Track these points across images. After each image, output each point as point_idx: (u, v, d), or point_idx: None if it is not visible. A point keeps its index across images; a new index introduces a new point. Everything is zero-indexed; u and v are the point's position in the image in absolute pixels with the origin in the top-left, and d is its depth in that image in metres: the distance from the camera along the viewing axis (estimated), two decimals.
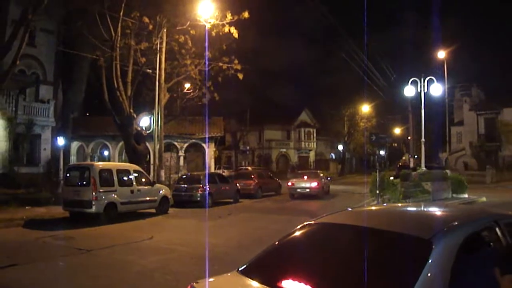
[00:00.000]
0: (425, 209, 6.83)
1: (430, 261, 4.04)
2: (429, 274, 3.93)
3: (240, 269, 5.15)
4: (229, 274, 5.21)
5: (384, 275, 4.24)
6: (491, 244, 4.81)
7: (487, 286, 3.99)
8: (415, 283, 3.84)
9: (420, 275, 3.90)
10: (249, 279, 4.81)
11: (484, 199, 32.60)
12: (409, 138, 65.95)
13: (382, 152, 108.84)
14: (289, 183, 38.98)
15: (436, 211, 6.47)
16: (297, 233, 5.49)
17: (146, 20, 31.01)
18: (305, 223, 5.60)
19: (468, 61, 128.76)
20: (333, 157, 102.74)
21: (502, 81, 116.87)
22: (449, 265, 4.08)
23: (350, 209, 6.15)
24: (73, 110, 49.11)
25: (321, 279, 4.46)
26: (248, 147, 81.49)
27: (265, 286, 4.52)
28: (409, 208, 6.91)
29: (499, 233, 4.78)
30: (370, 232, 4.81)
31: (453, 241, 4.34)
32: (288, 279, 4.49)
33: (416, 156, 57.38)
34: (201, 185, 30.85)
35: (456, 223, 4.87)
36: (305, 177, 39.66)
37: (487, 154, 68.98)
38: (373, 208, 6.79)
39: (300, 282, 4.39)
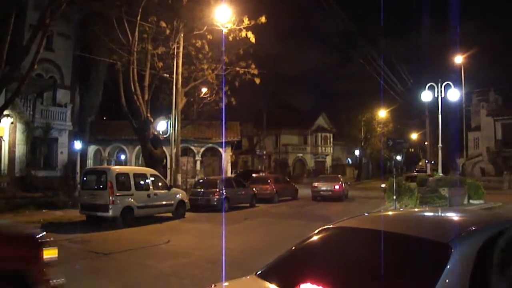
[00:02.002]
0: (443, 214, 6.79)
1: (448, 266, 4.01)
2: (447, 280, 3.89)
3: (258, 273, 5.16)
4: (247, 277, 5.26)
5: (402, 280, 4.22)
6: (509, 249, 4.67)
7: None
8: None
9: (438, 280, 3.86)
10: (267, 283, 4.81)
11: (500, 204, 32.44)
12: (426, 143, 65.84)
13: (398, 157, 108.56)
14: (313, 185, 40.44)
15: (454, 215, 6.46)
16: (315, 237, 5.49)
17: (163, 24, 31.06)
18: (323, 227, 5.59)
19: (486, 66, 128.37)
20: (350, 162, 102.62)
21: None
22: (468, 269, 4.03)
23: (367, 213, 6.11)
24: (90, 114, 49.24)
25: (339, 283, 4.45)
26: (264, 152, 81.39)
27: None
28: (426, 213, 6.96)
29: None
30: (388, 236, 4.76)
31: (472, 246, 4.29)
32: (306, 283, 4.45)
33: (433, 162, 57.21)
34: (217, 190, 30.88)
35: (475, 227, 4.81)
36: (328, 180, 42.34)
37: (504, 160, 68.58)
38: (390, 212, 6.78)
39: (318, 286, 4.35)
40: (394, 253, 4.50)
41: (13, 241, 8.00)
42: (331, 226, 5.65)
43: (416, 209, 6.30)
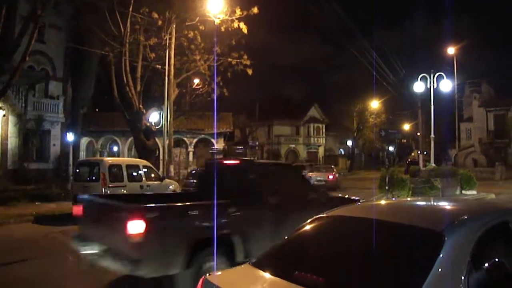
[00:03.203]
0: (436, 203, 6.88)
1: (441, 255, 4.04)
2: (440, 269, 3.93)
3: (252, 261, 5.21)
4: (241, 266, 5.34)
5: (395, 268, 4.25)
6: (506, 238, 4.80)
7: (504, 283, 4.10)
8: (426, 276, 3.84)
9: (431, 269, 3.90)
10: (262, 271, 4.86)
11: (493, 195, 32.57)
12: (418, 134, 65.83)
13: (391, 148, 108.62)
14: (307, 176, 40.74)
15: (447, 205, 6.50)
16: (309, 226, 5.56)
17: (155, 15, 30.99)
18: (316, 216, 5.67)
19: (478, 58, 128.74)
20: (342, 152, 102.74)
21: None
22: (463, 259, 4.09)
23: (359, 203, 6.18)
24: (83, 105, 49.10)
25: (333, 271, 4.53)
26: (257, 143, 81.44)
27: (278, 278, 4.57)
28: (419, 202, 6.96)
29: None
30: (381, 224, 4.84)
31: (465, 234, 4.36)
32: (300, 271, 4.54)
33: (425, 152, 57.31)
34: None
35: (468, 216, 4.91)
36: (321, 171, 44.23)
37: (496, 150, 68.87)
38: (383, 202, 6.82)
39: (312, 274, 4.44)
40: (387, 242, 4.58)
41: None
42: (324, 215, 5.68)
43: (408, 199, 6.30)
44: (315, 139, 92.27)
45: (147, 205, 9.32)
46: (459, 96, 68.36)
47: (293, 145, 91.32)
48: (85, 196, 12.17)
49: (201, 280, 4.94)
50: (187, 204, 10.23)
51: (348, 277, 4.37)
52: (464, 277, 3.96)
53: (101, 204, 11.23)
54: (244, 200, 10.64)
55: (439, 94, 38.48)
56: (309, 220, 5.67)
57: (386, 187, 27.28)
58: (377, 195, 30.01)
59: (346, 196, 16.02)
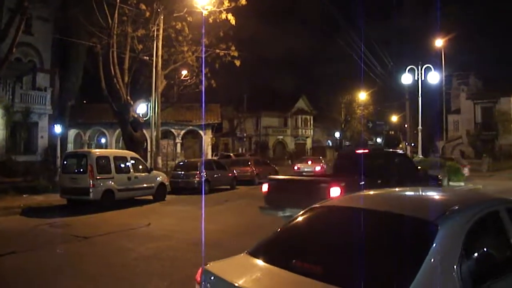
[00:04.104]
0: (427, 193, 7.12)
1: (434, 244, 4.15)
2: (432, 259, 4.01)
3: (249, 251, 5.34)
4: (239, 256, 5.39)
5: (389, 257, 4.37)
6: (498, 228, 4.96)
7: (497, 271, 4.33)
8: (420, 265, 3.93)
9: (425, 258, 3.99)
10: (259, 260, 5.02)
11: (480, 187, 32.67)
12: (406, 126, 65.99)
13: (379, 140, 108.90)
14: (295, 167, 41.81)
15: (438, 195, 6.80)
16: (303, 217, 5.69)
17: (143, 7, 30.96)
18: (310, 207, 5.81)
19: (466, 50, 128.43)
20: (330, 144, 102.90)
21: (499, 70, 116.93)
22: (455, 248, 4.20)
23: (351, 194, 6.23)
24: (70, 97, 48.92)
25: (329, 259, 4.65)
26: (245, 134, 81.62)
27: (274, 267, 4.71)
28: (411, 192, 7.08)
29: (503, 217, 4.95)
30: (374, 214, 5.08)
31: (459, 224, 4.47)
32: (296, 259, 4.73)
33: (413, 144, 57.44)
34: (198, 172, 30.91)
35: (460, 206, 5.03)
36: (310, 162, 44.61)
37: (483, 142, 69.07)
38: (373, 192, 7.00)
39: (308, 262, 4.64)
40: (381, 231, 4.80)
41: None
42: (318, 205, 5.83)
43: (398, 189, 6.54)
44: (303, 130, 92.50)
45: (339, 178, 14.53)
46: (447, 88, 68.57)
47: (281, 137, 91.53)
48: (272, 177, 19.59)
49: (200, 270, 5.06)
50: (351, 178, 14.32)
51: (344, 265, 4.47)
52: (457, 266, 4.05)
53: (295, 180, 17.73)
54: (374, 176, 14.59)
55: (427, 86, 38.60)
56: (303, 211, 5.78)
57: None
58: None
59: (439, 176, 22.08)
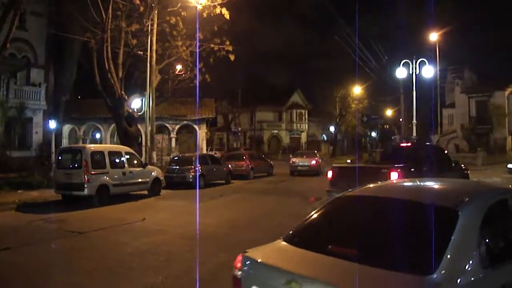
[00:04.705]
0: (444, 183, 7.42)
1: (456, 229, 4.59)
2: (456, 243, 4.46)
3: (284, 238, 5.65)
4: (274, 242, 5.68)
5: (417, 240, 4.72)
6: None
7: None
8: (446, 248, 4.37)
9: (449, 243, 4.43)
10: (296, 247, 5.32)
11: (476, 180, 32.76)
12: (400, 120, 66.06)
13: (373, 134, 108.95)
14: (291, 161, 41.86)
15: (454, 185, 7.37)
16: (330, 206, 6.19)
17: (137, 1, 30.89)
18: (336, 197, 6.33)
19: (461, 44, 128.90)
20: (325, 138, 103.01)
21: (494, 64, 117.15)
22: (474, 231, 4.67)
23: (372, 185, 6.62)
24: (65, 93, 48.84)
25: (361, 244, 4.91)
26: (239, 129, 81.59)
27: (313, 252, 5.04)
28: (429, 182, 7.49)
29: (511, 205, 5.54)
30: (402, 202, 5.47)
31: (476, 210, 4.96)
32: (332, 244, 5.05)
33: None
34: (193, 167, 30.91)
35: (475, 195, 5.60)
36: (305, 156, 44.30)
37: (478, 136, 69.22)
38: (396, 182, 8.53)
39: (343, 247, 4.94)
40: (408, 218, 5.10)
41: None
42: (341, 195, 6.27)
43: (416, 179, 7.09)
44: (298, 124, 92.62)
45: (396, 165, 17.72)
46: (441, 82, 68.63)
47: (276, 131, 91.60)
48: (336, 165, 22.63)
49: (239, 257, 5.29)
50: (404, 165, 17.64)
51: (376, 249, 4.85)
52: (476, 246, 4.52)
53: (357, 167, 21.28)
54: (418, 165, 18.07)
55: (421, 80, 38.63)
56: (329, 200, 6.41)
57: None
58: None
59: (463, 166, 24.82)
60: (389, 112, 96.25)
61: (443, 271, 4.16)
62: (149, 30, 32.32)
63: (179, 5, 32.09)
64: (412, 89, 36.35)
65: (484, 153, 57.19)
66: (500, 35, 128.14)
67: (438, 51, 54.18)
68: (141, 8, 31.50)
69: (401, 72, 35.75)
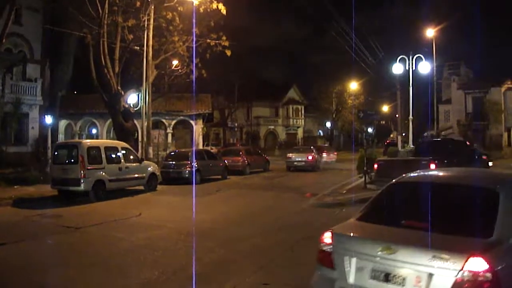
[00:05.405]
0: (478, 171, 10.49)
1: (500, 207, 5.69)
2: (501, 214, 5.61)
3: (357, 218, 6.67)
4: (348, 222, 6.73)
5: (472, 215, 5.95)
6: None
7: None
8: (495, 220, 5.53)
9: (496, 219, 5.55)
10: (371, 223, 6.44)
11: None
12: (397, 115, 66.07)
13: (370, 130, 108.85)
14: (287, 156, 42.00)
15: (487, 171, 10.72)
16: (388, 190, 7.09)
17: None
18: (390, 183, 7.18)
19: (457, 40, 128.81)
20: (321, 134, 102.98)
21: (490, 60, 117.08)
22: None
23: (414, 174, 7.65)
24: (61, 88, 48.84)
25: (428, 219, 5.80)
26: (236, 124, 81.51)
27: (389, 226, 6.15)
28: (467, 171, 9.01)
29: None
30: (454, 186, 6.76)
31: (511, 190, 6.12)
32: (404, 220, 6.15)
33: (404, 134, 57.53)
34: (189, 162, 30.87)
35: (507, 178, 6.98)
36: (301, 152, 44.43)
37: (474, 132, 69.20)
38: (436, 170, 10.60)
39: (415, 221, 6.04)
40: (461, 198, 6.38)
41: None
42: (396, 182, 7.19)
43: (454, 169, 8.70)
44: (294, 120, 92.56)
45: (433, 158, 21.34)
46: (438, 78, 68.60)
47: (272, 127, 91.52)
48: (381, 158, 27.44)
49: (328, 233, 6.23)
50: (440, 158, 21.56)
51: (441, 222, 5.83)
52: None
53: (400, 160, 25.90)
54: (451, 157, 22.06)
55: (418, 76, 38.71)
56: (385, 186, 7.21)
57: (365, 168, 27.30)
58: (356, 176, 30.14)
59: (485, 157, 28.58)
60: (385, 108, 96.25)
61: (497, 235, 5.36)
62: (146, 25, 32.26)
63: (175, 0, 32.06)
64: (409, 85, 36.40)
65: (481, 149, 57.30)
66: (496, 31, 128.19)
67: (435, 47, 54.22)
68: (138, 3, 31.51)
69: (397, 68, 35.78)
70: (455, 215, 6.06)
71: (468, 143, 33.95)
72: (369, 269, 5.68)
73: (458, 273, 4.99)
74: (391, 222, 6.20)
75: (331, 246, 6.07)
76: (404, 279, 5.40)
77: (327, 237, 6.17)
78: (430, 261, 5.16)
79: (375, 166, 24.70)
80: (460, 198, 6.36)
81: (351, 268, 5.82)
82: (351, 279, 5.80)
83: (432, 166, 19.65)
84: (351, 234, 6.22)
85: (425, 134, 61.77)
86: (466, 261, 4.97)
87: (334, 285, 5.95)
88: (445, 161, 21.10)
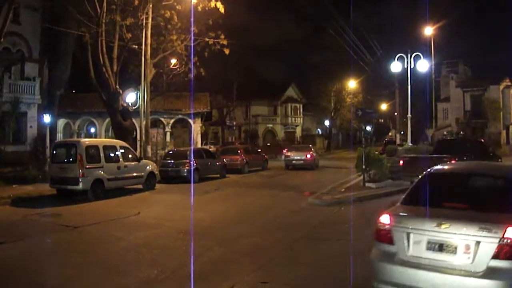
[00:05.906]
0: (499, 164, 14.64)
1: None
2: None
3: (402, 202, 7.92)
4: (397, 206, 7.86)
5: (498, 199, 7.41)
6: None
7: None
8: None
9: None
10: (416, 206, 7.66)
11: None
12: (395, 114, 66.08)
13: (368, 128, 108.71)
14: (285, 155, 42.11)
15: (506, 165, 11.85)
16: (424, 179, 8.19)
17: None
18: (426, 173, 8.37)
19: (456, 38, 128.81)
20: (320, 132, 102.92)
21: (488, 58, 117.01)
22: None
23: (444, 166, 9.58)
24: (59, 87, 48.75)
25: (465, 201, 7.41)
26: (234, 123, 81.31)
27: (432, 208, 7.14)
28: (489, 163, 12.64)
29: None
30: (474, 174, 8.31)
31: None
32: (445, 202, 7.47)
33: (402, 132, 57.58)
34: (187, 161, 30.85)
35: None
36: (300, 150, 44.60)
37: (473, 130, 69.28)
38: (461, 163, 13.44)
39: (455, 202, 7.45)
40: (485, 184, 7.95)
41: None
42: (431, 172, 8.41)
43: (475, 162, 13.53)
44: (293, 119, 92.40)
45: (453, 156, 22.78)
46: (436, 76, 68.61)
47: (271, 125, 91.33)
48: (405, 155, 28.58)
49: (386, 214, 7.45)
50: (459, 156, 22.75)
51: (477, 203, 7.34)
52: None
53: (423, 157, 25.55)
54: (469, 155, 23.67)
55: (416, 74, 38.71)
56: (420, 176, 8.41)
57: (363, 166, 27.25)
58: (354, 175, 30.11)
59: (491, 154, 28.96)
60: (384, 107, 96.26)
61: None
62: (144, 24, 32.22)
63: None
64: (407, 83, 36.38)
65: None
66: (495, 29, 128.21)
67: (433, 45, 54.22)
68: (136, 2, 31.44)
69: (396, 66, 35.77)
70: (487, 197, 7.67)
71: (482, 141, 37.28)
72: (425, 242, 6.92)
73: (500, 240, 6.40)
74: (433, 204, 7.21)
75: (389, 226, 7.30)
76: (456, 247, 6.70)
77: (385, 218, 7.40)
78: (478, 231, 6.52)
79: (401, 162, 26.82)
80: (488, 184, 7.92)
81: (409, 242, 7.05)
82: (410, 251, 7.02)
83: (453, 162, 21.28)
84: (407, 214, 7.47)
85: (445, 132, 62.36)
86: (505, 230, 6.39)
87: (394, 258, 7.10)
88: (464, 158, 22.69)
